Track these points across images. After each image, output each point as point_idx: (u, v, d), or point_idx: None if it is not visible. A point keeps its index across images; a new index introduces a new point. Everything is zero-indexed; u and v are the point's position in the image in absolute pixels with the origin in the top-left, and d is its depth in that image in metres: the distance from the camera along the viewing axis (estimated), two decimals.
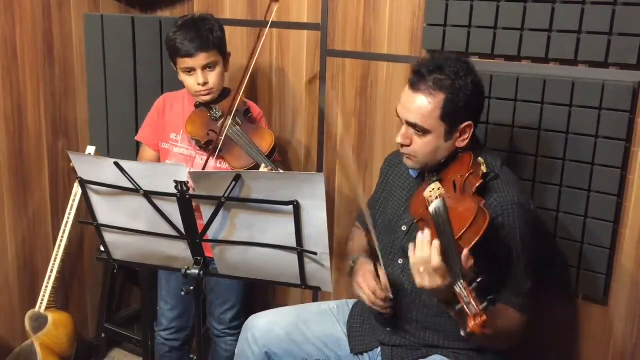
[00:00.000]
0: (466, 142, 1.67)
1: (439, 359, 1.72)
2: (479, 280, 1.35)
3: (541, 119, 1.96)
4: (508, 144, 2.03)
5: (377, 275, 1.71)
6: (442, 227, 1.41)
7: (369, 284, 1.72)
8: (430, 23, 2.12)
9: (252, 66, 2.02)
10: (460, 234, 1.40)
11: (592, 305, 2.01)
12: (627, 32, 1.80)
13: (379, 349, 1.83)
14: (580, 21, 1.86)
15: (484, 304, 1.30)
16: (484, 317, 1.27)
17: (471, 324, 1.28)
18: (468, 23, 2.04)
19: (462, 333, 1.32)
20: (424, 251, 1.40)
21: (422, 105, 1.62)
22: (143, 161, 2.19)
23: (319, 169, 2.53)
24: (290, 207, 1.41)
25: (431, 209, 1.44)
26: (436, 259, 1.38)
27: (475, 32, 2.04)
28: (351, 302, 2.01)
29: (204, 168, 2.02)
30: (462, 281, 1.34)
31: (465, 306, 1.30)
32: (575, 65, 1.91)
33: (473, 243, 1.39)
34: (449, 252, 1.38)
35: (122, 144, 2.41)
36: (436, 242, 1.40)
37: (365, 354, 1.86)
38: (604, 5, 1.82)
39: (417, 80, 1.64)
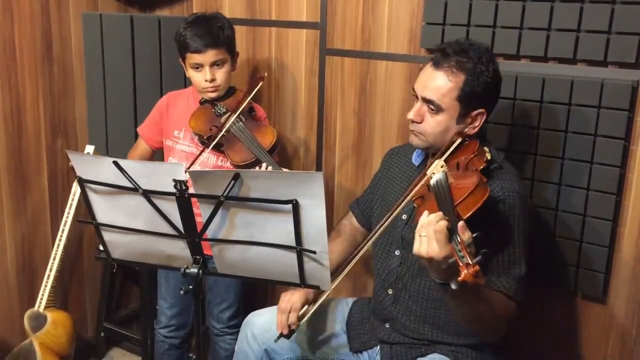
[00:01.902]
0: (476, 129, 1.68)
1: (438, 357, 1.72)
2: (474, 235, 1.35)
3: (540, 118, 1.96)
4: (507, 143, 2.04)
5: (307, 304, 1.83)
6: (442, 196, 1.42)
7: (295, 303, 1.82)
8: (429, 22, 2.12)
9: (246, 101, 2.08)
10: (460, 200, 1.41)
11: (591, 304, 2.02)
12: (625, 30, 1.80)
13: (378, 347, 1.84)
14: (579, 20, 1.86)
15: (478, 257, 1.30)
16: (477, 267, 1.27)
17: (464, 272, 1.27)
18: (467, 22, 2.04)
19: (452, 286, 1.31)
20: (429, 216, 1.39)
21: (441, 82, 1.64)
22: (139, 159, 2.19)
23: (318, 168, 2.53)
24: (289, 206, 1.41)
25: (432, 181, 1.45)
26: (438, 226, 1.36)
27: (474, 30, 2.04)
28: (350, 300, 2.02)
29: (196, 159, 2.04)
30: (457, 236, 1.34)
31: (458, 259, 1.31)
32: (574, 63, 1.91)
33: (471, 212, 1.40)
34: (449, 218, 1.38)
35: (120, 143, 2.41)
36: (439, 213, 1.40)
37: (364, 352, 1.87)
38: (603, 4, 1.82)
39: (440, 59, 1.66)
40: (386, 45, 2.27)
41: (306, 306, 1.82)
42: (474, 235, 1.35)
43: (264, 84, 2.59)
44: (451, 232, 1.36)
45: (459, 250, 1.32)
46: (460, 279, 1.28)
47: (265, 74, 2.28)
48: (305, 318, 1.80)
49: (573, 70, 1.91)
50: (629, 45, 1.80)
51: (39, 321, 2.41)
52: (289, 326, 1.80)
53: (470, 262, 1.28)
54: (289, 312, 1.81)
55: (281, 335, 1.81)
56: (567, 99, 1.91)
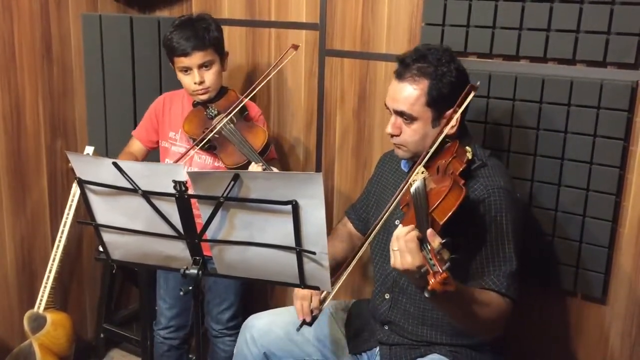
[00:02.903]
0: (455, 128, 1.68)
1: (437, 358, 1.72)
2: (444, 241, 1.35)
3: (539, 119, 1.97)
4: (506, 144, 2.04)
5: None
6: (418, 203, 1.42)
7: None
8: (429, 22, 2.12)
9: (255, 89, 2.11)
10: (434, 206, 1.42)
11: (590, 305, 2.02)
12: (625, 31, 1.80)
13: (378, 348, 1.83)
14: (578, 20, 1.86)
15: (447, 264, 1.30)
16: (445, 274, 1.27)
17: (432, 281, 1.27)
18: (466, 22, 2.04)
19: (425, 294, 1.32)
20: (400, 229, 1.40)
21: (408, 93, 1.67)
22: (133, 159, 2.19)
23: (318, 168, 2.53)
24: (289, 207, 1.41)
25: (412, 189, 1.46)
26: (409, 235, 1.37)
27: (473, 31, 2.04)
28: (349, 302, 2.01)
29: (181, 157, 2.04)
30: (427, 244, 1.35)
31: (429, 267, 1.31)
32: (573, 64, 1.92)
33: (447, 217, 1.40)
34: (422, 226, 1.39)
35: (120, 144, 2.40)
36: (411, 225, 1.41)
37: (363, 354, 1.86)
38: (602, 5, 1.82)
39: (402, 70, 1.69)
40: (386, 46, 2.27)
41: (330, 295, 1.74)
42: (443, 241, 1.36)
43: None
44: (422, 241, 1.37)
45: (430, 259, 1.32)
46: (429, 287, 1.28)
47: (300, 44, 2.27)
48: (327, 302, 1.74)
49: (572, 71, 1.91)
50: (628, 45, 1.80)
51: (38, 322, 2.41)
52: (311, 312, 1.75)
53: (440, 270, 1.28)
54: (311, 297, 1.75)
55: (304, 322, 1.75)
56: (566, 99, 1.91)
